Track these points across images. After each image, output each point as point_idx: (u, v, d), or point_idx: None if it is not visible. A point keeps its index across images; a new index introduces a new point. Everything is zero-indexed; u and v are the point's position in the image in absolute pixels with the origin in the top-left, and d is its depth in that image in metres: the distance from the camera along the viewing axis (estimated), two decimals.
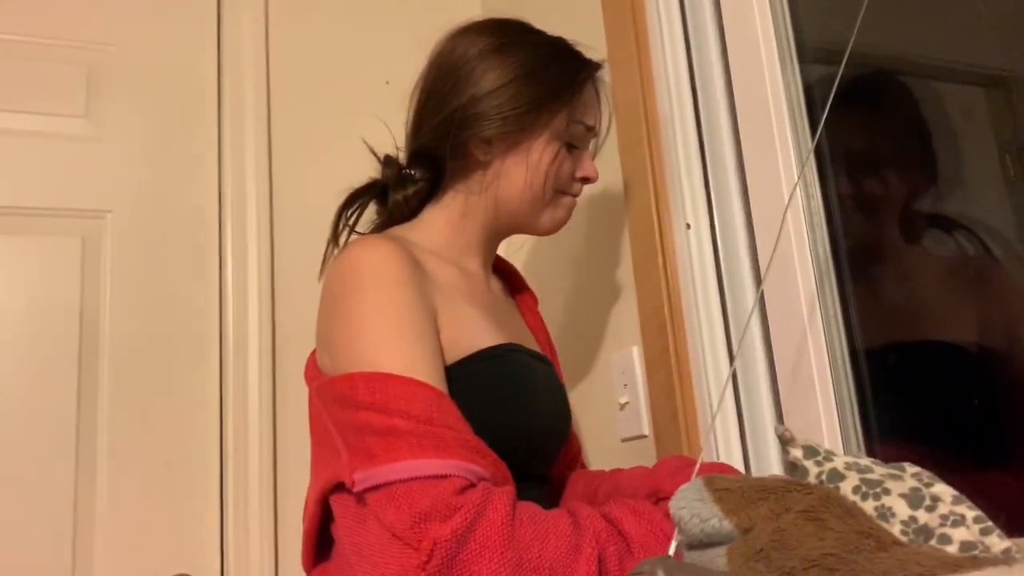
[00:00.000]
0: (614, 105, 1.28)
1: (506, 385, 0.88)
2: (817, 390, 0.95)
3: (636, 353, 1.20)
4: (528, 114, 0.94)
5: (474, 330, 0.89)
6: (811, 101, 1.08)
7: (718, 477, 0.54)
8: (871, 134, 1.10)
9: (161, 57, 1.59)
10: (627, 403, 1.21)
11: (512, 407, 0.87)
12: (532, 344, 1.03)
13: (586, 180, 1.02)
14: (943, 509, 0.49)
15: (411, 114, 1.00)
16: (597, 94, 1.02)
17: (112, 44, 1.56)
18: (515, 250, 1.51)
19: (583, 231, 1.38)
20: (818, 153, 1.04)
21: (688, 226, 1.15)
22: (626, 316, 1.23)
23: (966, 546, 0.47)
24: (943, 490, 0.49)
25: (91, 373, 1.42)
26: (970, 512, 0.48)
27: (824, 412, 0.93)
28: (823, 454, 0.54)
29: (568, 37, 1.03)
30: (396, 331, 0.80)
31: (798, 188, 1.00)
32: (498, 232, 1.02)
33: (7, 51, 1.49)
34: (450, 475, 0.71)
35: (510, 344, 0.91)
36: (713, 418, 1.07)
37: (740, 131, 1.11)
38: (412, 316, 0.82)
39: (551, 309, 1.47)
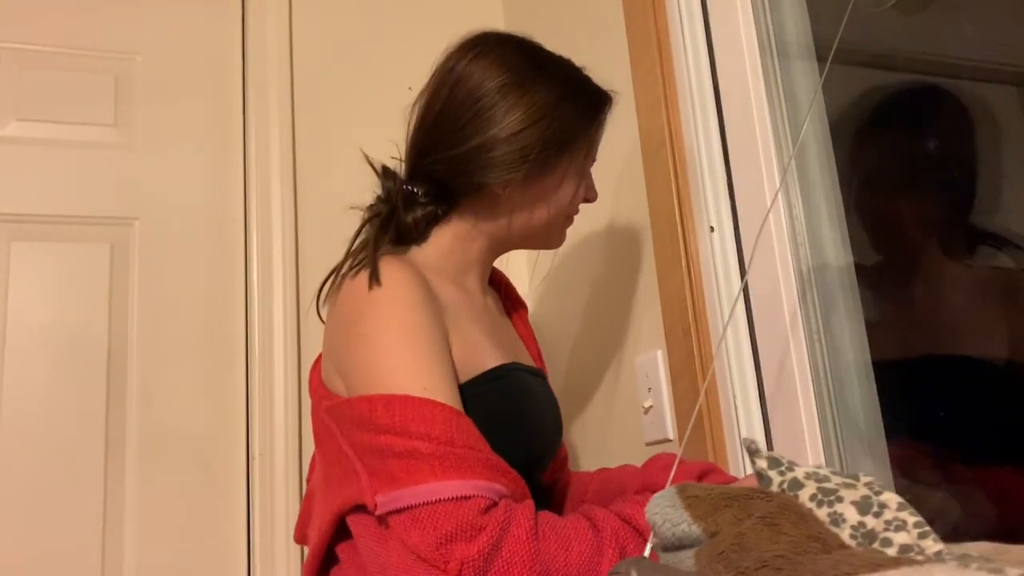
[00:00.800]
0: (636, 110, 1.36)
1: (511, 404, 0.96)
2: (800, 400, 1.03)
3: (660, 357, 1.28)
4: (554, 156, 1.01)
5: (479, 351, 0.96)
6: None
7: (690, 485, 0.63)
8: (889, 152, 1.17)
9: (187, 66, 1.71)
10: (651, 407, 1.29)
11: (517, 425, 0.95)
12: (527, 358, 1.13)
13: (589, 201, 1.11)
14: (888, 515, 0.57)
15: (415, 129, 1.05)
16: (601, 121, 1.10)
17: (139, 54, 1.69)
18: (539, 255, 1.60)
19: (607, 235, 1.47)
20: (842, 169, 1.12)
21: (712, 229, 1.23)
22: (650, 320, 1.31)
23: (904, 548, 0.55)
24: (890, 498, 0.58)
25: (120, 378, 1.55)
26: (911, 518, 0.56)
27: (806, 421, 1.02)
28: (785, 464, 0.62)
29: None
30: (413, 354, 0.87)
31: (779, 194, 1.07)
32: (500, 253, 1.11)
33: (38, 62, 1.63)
34: (473, 496, 0.78)
35: (511, 364, 0.99)
36: (737, 421, 1.15)
37: (728, 138, 1.19)
38: (428, 338, 0.89)
39: (576, 313, 1.57)
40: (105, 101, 1.65)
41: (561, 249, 1.62)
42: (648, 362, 1.30)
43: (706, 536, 0.61)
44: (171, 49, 1.71)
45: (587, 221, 1.54)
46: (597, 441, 1.47)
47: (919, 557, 0.54)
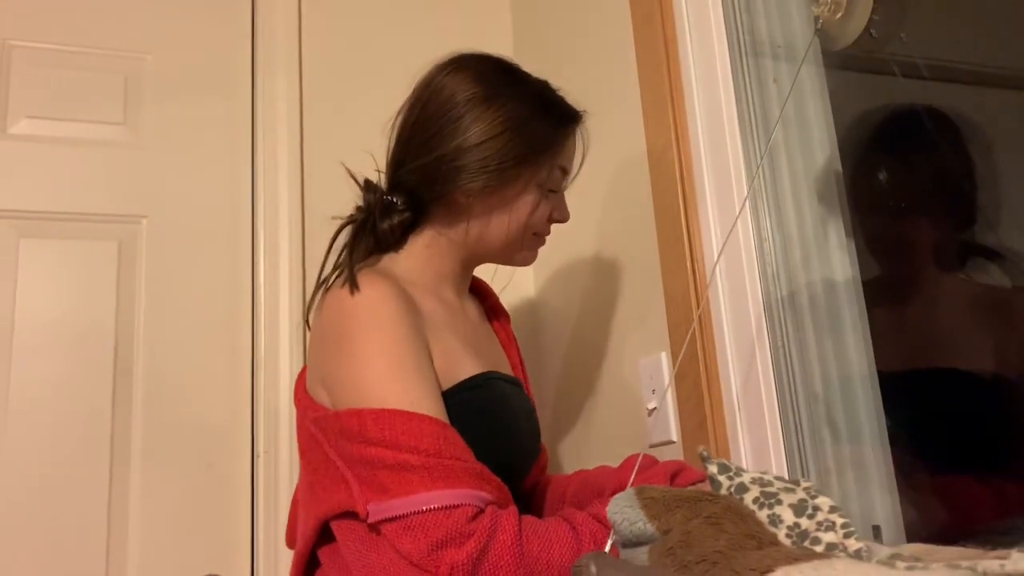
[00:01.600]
0: (642, 112, 1.45)
1: (488, 413, 1.07)
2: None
3: (664, 359, 1.37)
4: (512, 168, 1.11)
5: (458, 360, 1.07)
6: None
7: (647, 488, 0.73)
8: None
9: (196, 65, 1.84)
10: (655, 409, 1.39)
11: (495, 433, 1.05)
12: (506, 366, 1.24)
13: (559, 222, 1.21)
14: (820, 517, 0.67)
15: (395, 141, 1.17)
16: (578, 139, 1.21)
17: (150, 53, 1.81)
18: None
19: (612, 237, 1.57)
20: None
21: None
22: (654, 322, 1.40)
23: (830, 546, 0.65)
24: (824, 501, 0.68)
25: (126, 375, 1.67)
26: (840, 519, 0.66)
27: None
28: (734, 470, 0.73)
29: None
30: (399, 368, 0.97)
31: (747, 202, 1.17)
32: (472, 264, 1.23)
33: (49, 60, 1.75)
34: (461, 504, 0.88)
35: (489, 372, 1.10)
36: (740, 423, 1.24)
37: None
38: (412, 352, 0.99)
39: (579, 315, 1.67)
40: (115, 100, 1.77)
41: (566, 252, 1.73)
42: (652, 364, 1.40)
43: (659, 534, 0.71)
44: (181, 49, 1.84)
45: (592, 224, 1.65)
46: (602, 443, 1.57)
47: (840, 554, 0.64)
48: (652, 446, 1.39)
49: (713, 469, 0.73)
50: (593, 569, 0.69)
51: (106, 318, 1.68)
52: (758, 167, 1.24)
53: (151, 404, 1.67)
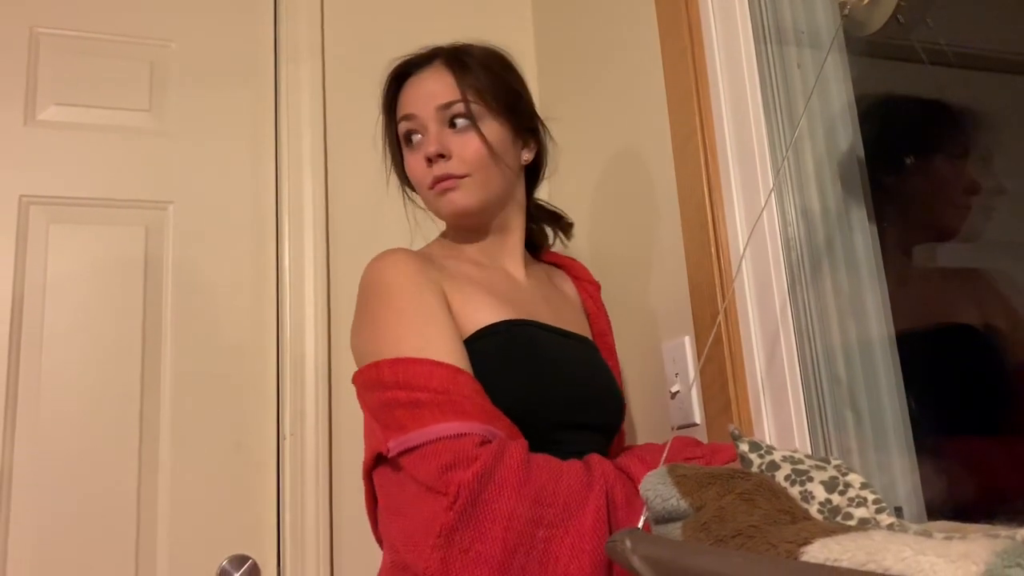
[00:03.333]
0: (667, 98, 1.46)
1: (507, 356, 1.10)
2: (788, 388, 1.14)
3: (688, 342, 1.39)
4: (386, 140, 1.29)
5: (478, 310, 1.13)
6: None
7: (678, 465, 0.75)
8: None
9: (220, 52, 1.86)
10: (678, 392, 1.41)
11: (512, 375, 1.09)
12: (572, 324, 1.27)
13: (431, 160, 1.19)
14: (852, 493, 0.68)
15: None
16: (413, 82, 1.25)
17: (174, 40, 1.83)
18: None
19: (635, 222, 1.58)
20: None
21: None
22: (678, 305, 1.41)
23: (863, 522, 0.67)
24: (855, 478, 0.69)
25: (154, 359, 1.69)
26: (871, 495, 0.68)
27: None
28: (764, 448, 0.74)
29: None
30: (409, 320, 1.06)
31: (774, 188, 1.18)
32: (458, 227, 1.28)
33: (75, 48, 1.77)
34: (470, 433, 0.94)
35: (516, 320, 1.14)
36: (765, 406, 1.25)
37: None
38: (423, 303, 1.07)
39: (609, 292, 1.68)
40: (140, 87, 1.80)
41: (589, 237, 1.75)
42: (676, 348, 1.41)
43: (692, 510, 0.73)
44: (205, 36, 1.85)
45: (615, 209, 1.66)
46: (627, 425, 1.59)
47: (873, 529, 0.65)
48: (675, 429, 1.40)
49: (744, 447, 0.75)
50: (628, 543, 0.71)
51: (134, 303, 1.70)
52: (784, 159, 1.25)
53: (179, 387, 1.69)
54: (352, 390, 1.11)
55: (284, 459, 1.70)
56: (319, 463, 1.69)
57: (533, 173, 1.36)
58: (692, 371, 1.37)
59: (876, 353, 1.27)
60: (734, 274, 1.28)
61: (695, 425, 1.35)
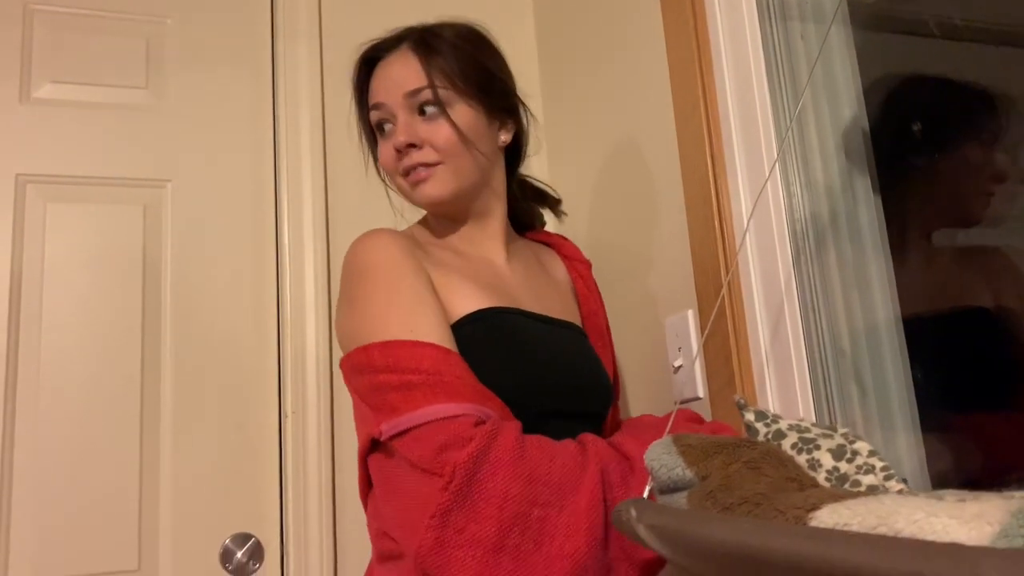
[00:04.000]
0: (669, 70, 1.45)
1: (489, 343, 1.09)
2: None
3: (691, 316, 1.38)
4: (362, 131, 1.27)
5: (460, 297, 1.11)
6: None
7: (684, 435, 0.74)
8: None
9: (217, 29, 1.84)
10: (681, 366, 1.40)
11: (494, 363, 1.06)
12: (562, 307, 1.26)
13: (400, 151, 1.17)
14: (859, 460, 0.68)
15: None
16: (381, 69, 1.21)
17: (169, 17, 1.81)
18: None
19: (637, 196, 1.57)
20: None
21: None
22: (681, 279, 1.41)
23: (871, 489, 0.66)
24: (862, 446, 0.69)
25: (154, 338, 1.69)
26: (879, 463, 0.67)
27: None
28: (771, 417, 0.73)
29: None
30: (397, 302, 1.04)
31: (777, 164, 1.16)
32: (435, 214, 1.26)
33: (70, 25, 1.76)
34: (464, 414, 0.94)
35: (498, 307, 1.13)
36: (769, 380, 1.25)
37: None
38: (411, 285, 1.06)
39: (604, 272, 1.67)
40: (136, 64, 1.78)
41: (591, 211, 1.74)
42: (679, 322, 1.40)
43: (698, 479, 0.72)
44: (201, 12, 1.84)
45: (616, 183, 1.65)
46: (629, 400, 1.58)
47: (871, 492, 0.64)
48: (678, 403, 1.40)
49: (750, 417, 0.74)
50: (633, 513, 0.70)
51: (133, 282, 1.70)
52: (787, 131, 1.24)
53: (180, 367, 1.69)
54: None
55: (286, 437, 1.69)
56: (321, 441, 1.69)
57: (514, 153, 1.32)
58: (695, 345, 1.36)
59: (881, 327, 1.27)
60: (738, 247, 1.27)
61: (698, 399, 1.35)
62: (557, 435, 1.04)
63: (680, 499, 0.73)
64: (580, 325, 1.29)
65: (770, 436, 0.73)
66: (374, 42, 1.23)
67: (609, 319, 1.66)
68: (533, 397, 1.08)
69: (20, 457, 1.57)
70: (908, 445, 1.22)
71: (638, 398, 1.55)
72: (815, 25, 1.36)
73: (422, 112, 1.16)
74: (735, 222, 1.29)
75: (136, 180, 1.74)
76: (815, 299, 1.23)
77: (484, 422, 0.94)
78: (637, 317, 1.55)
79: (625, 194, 1.62)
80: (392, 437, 0.96)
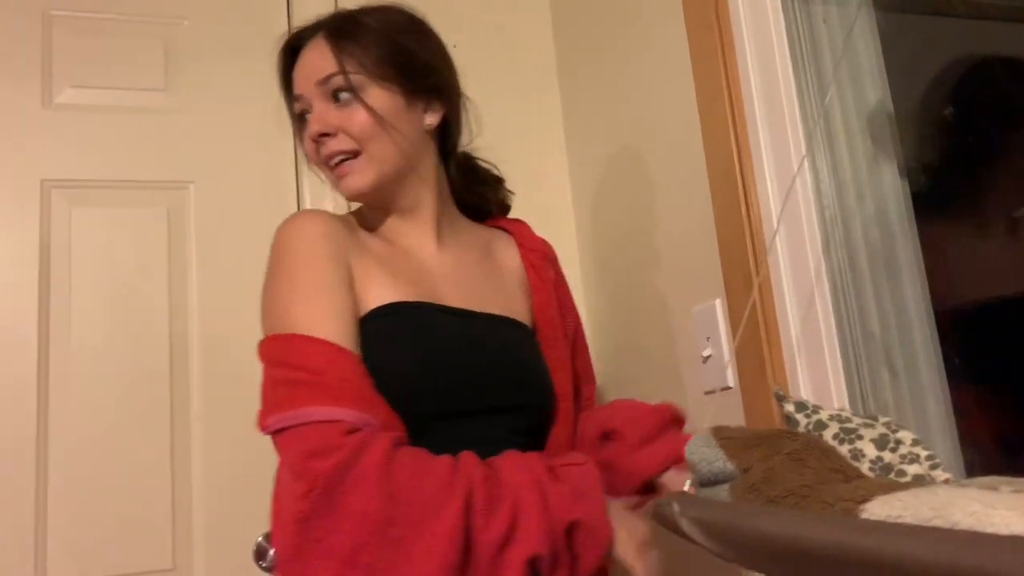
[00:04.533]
0: (692, 57, 1.43)
1: (391, 338, 1.06)
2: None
3: (719, 305, 1.37)
4: (292, 123, 1.23)
5: (373, 290, 1.09)
6: None
7: (723, 428, 0.74)
8: None
9: (234, 29, 1.84)
10: (710, 356, 1.39)
11: (396, 358, 1.05)
12: (499, 300, 1.21)
13: (316, 140, 1.15)
14: (903, 450, 0.67)
15: None
16: (302, 59, 1.18)
17: (187, 18, 1.81)
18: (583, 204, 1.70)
19: (661, 185, 1.56)
20: None
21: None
22: (707, 268, 1.40)
23: (917, 478, 0.65)
24: (906, 435, 0.68)
25: (182, 338, 1.70)
26: (924, 452, 0.67)
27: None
28: (811, 408, 0.73)
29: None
30: (302, 292, 1.04)
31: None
32: (367, 205, 1.23)
33: (89, 29, 1.76)
34: (338, 420, 0.92)
35: (410, 301, 1.10)
36: (799, 368, 1.24)
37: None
38: (320, 275, 1.05)
39: (629, 262, 1.67)
40: (155, 66, 1.78)
41: (612, 200, 1.73)
42: (706, 311, 1.40)
43: (739, 472, 0.72)
44: (218, 12, 1.84)
45: (640, 173, 1.64)
46: (656, 391, 1.57)
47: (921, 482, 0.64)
48: (708, 393, 1.40)
49: (790, 408, 0.74)
50: (676, 507, 0.70)
51: (159, 284, 1.70)
52: (816, 122, 1.23)
53: (209, 365, 1.69)
54: None
55: None
56: None
57: (448, 136, 1.27)
58: (724, 334, 1.35)
59: (911, 309, 1.26)
60: (767, 241, 1.26)
61: (728, 388, 1.34)
62: (473, 432, 1.06)
63: (721, 492, 0.72)
64: (523, 318, 1.24)
65: (811, 427, 0.72)
66: (295, 31, 1.21)
67: (634, 309, 1.66)
68: (438, 392, 1.06)
69: (54, 460, 1.58)
70: (940, 430, 1.21)
71: (664, 388, 1.55)
72: (837, 8, 1.35)
73: (336, 99, 1.13)
74: (763, 210, 1.28)
75: (159, 183, 1.75)
76: (845, 285, 1.23)
77: (357, 431, 0.92)
78: (662, 307, 1.55)
79: (648, 183, 1.61)
80: (274, 433, 0.97)
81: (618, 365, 1.74)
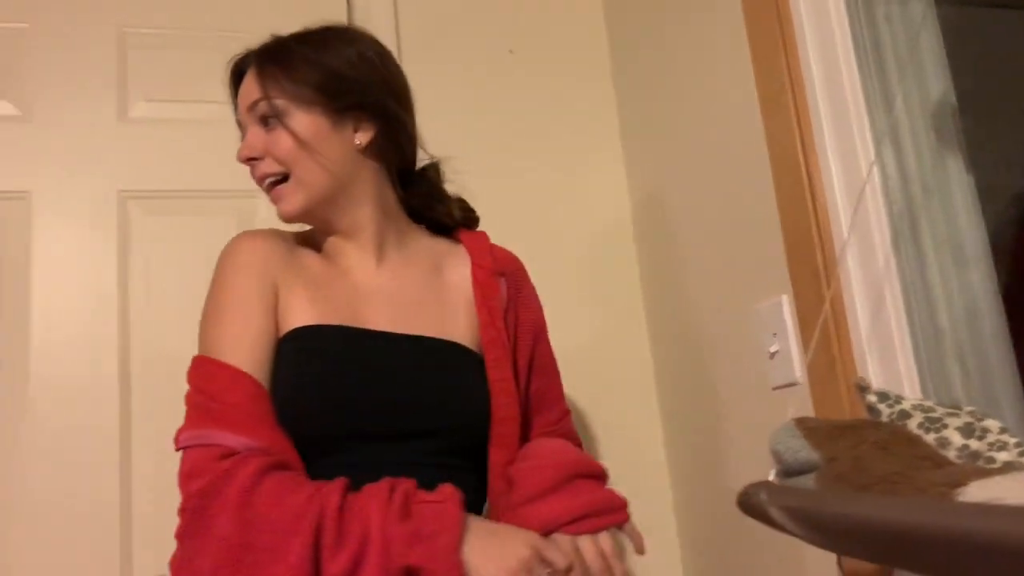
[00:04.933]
0: (751, 48, 1.43)
1: (299, 362, 1.08)
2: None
3: (785, 301, 1.38)
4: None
5: (294, 312, 1.12)
6: None
7: (807, 418, 0.76)
8: None
9: None
10: (777, 352, 1.40)
11: (301, 382, 1.07)
12: (436, 320, 1.18)
13: (247, 164, 1.18)
14: (991, 438, 0.68)
15: None
16: (245, 78, 1.20)
17: (250, 32, 1.85)
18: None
19: (721, 180, 1.57)
20: None
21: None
22: (771, 263, 1.40)
23: (1007, 465, 0.66)
24: (992, 423, 0.69)
25: None
26: (1012, 439, 0.67)
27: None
28: (893, 398, 0.74)
29: None
30: (221, 315, 1.09)
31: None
32: (312, 225, 1.24)
33: (160, 44, 1.82)
34: (216, 444, 0.97)
35: (325, 324, 1.11)
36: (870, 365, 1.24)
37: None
38: (242, 297, 1.09)
39: (690, 260, 1.68)
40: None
41: (673, 198, 1.74)
42: (772, 307, 1.40)
43: (824, 461, 0.73)
44: (277, 26, 1.87)
45: (698, 168, 1.65)
46: (721, 388, 1.59)
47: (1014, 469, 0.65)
48: (775, 388, 1.40)
49: (872, 398, 0.75)
50: (764, 496, 0.72)
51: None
52: (884, 122, 1.23)
53: None
54: None
55: None
56: None
57: (390, 153, 1.23)
58: (791, 330, 1.36)
59: (981, 305, 1.26)
60: (837, 247, 1.25)
61: (795, 384, 1.35)
62: (382, 456, 1.06)
63: (807, 481, 0.74)
64: (464, 338, 1.19)
65: (894, 416, 0.74)
66: (237, 56, 1.24)
67: (695, 306, 1.67)
68: (311, 417, 1.06)
69: (138, 460, 1.63)
70: (1014, 423, 1.21)
71: (729, 384, 1.56)
72: (899, 7, 1.35)
73: (266, 123, 1.15)
74: (829, 205, 1.28)
75: (228, 191, 1.79)
76: (915, 279, 1.23)
77: (232, 455, 0.96)
78: (725, 303, 1.56)
79: (707, 181, 1.62)
80: (177, 450, 1.02)
81: (679, 363, 1.75)
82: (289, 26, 1.80)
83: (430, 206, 1.30)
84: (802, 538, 0.69)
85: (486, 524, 0.98)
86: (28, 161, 1.71)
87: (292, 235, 1.22)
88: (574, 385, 1.80)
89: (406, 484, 0.98)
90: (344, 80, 1.17)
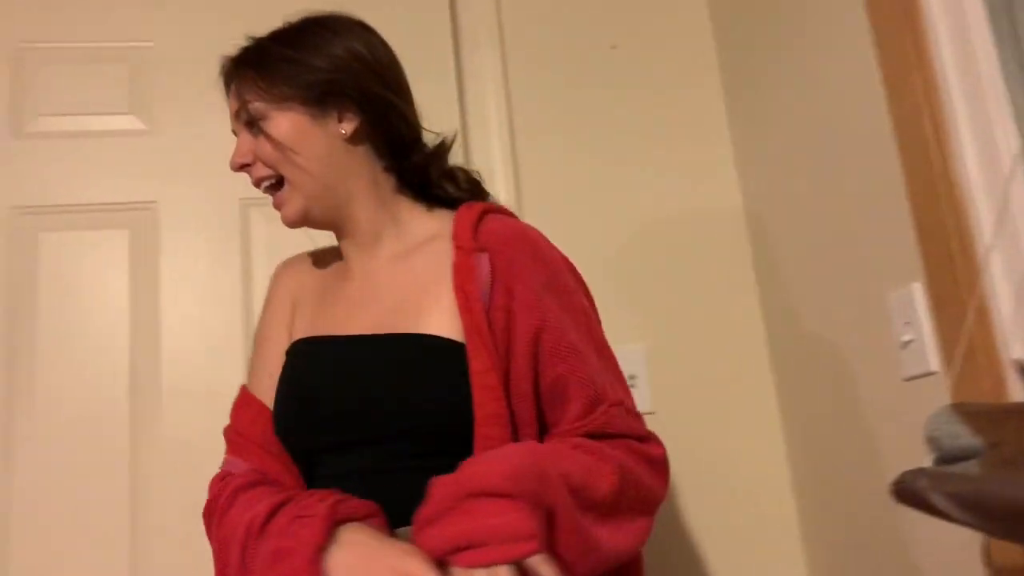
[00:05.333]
0: (873, 28, 1.38)
1: (280, 379, 1.16)
2: None
3: (918, 289, 1.32)
4: None
5: (298, 330, 1.20)
6: None
7: (964, 403, 0.72)
8: None
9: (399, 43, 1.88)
10: (911, 340, 1.34)
11: (276, 398, 1.15)
12: (411, 310, 1.10)
13: (241, 171, 1.17)
14: None
15: None
16: (230, 91, 1.17)
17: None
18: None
19: (844, 168, 1.52)
20: None
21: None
22: (901, 251, 1.35)
23: None
24: None
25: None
26: None
27: None
28: None
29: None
30: (254, 348, 1.23)
31: None
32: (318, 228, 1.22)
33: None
34: (223, 468, 1.13)
35: (304, 338, 1.17)
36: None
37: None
38: (266, 325, 1.22)
39: (816, 248, 1.63)
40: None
41: (790, 193, 1.70)
42: (904, 295, 1.34)
43: (987, 447, 0.70)
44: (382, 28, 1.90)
45: (819, 157, 1.60)
46: (848, 378, 1.54)
47: None
48: (908, 379, 1.35)
49: None
50: (924, 482, 0.69)
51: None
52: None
53: None
54: None
55: None
56: None
57: (389, 138, 1.18)
58: (924, 319, 1.31)
59: None
60: (982, 243, 1.18)
61: (932, 374, 1.29)
62: (353, 464, 1.06)
63: (969, 467, 0.70)
64: (444, 329, 1.06)
65: None
66: (224, 62, 1.20)
67: (822, 295, 1.62)
68: (297, 432, 1.12)
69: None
70: None
71: (859, 375, 1.50)
72: None
73: (252, 128, 1.14)
74: (964, 190, 1.22)
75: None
76: None
77: (228, 475, 1.11)
78: (853, 292, 1.51)
79: (828, 173, 1.58)
80: None
81: (804, 355, 1.71)
82: (386, 25, 1.76)
83: (432, 182, 1.22)
84: (966, 524, 0.66)
85: (366, 541, 0.93)
86: None
87: (324, 251, 1.28)
88: (686, 386, 1.78)
89: (307, 500, 0.98)
90: (317, 71, 1.12)
